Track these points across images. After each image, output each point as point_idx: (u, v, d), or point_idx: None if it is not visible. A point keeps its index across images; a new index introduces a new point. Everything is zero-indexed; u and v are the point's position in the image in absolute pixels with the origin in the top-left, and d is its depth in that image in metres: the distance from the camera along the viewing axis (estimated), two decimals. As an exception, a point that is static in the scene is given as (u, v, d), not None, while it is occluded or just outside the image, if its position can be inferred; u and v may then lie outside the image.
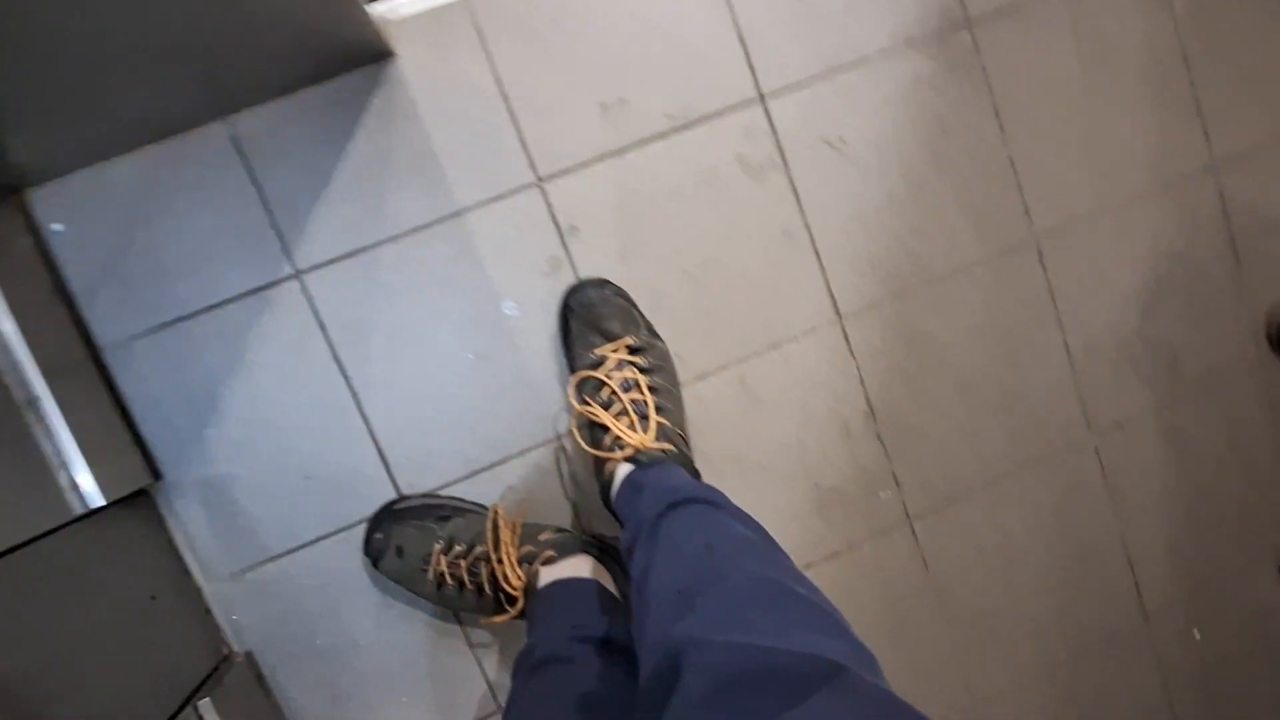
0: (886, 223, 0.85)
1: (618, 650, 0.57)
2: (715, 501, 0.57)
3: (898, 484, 0.87)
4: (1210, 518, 0.95)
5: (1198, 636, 0.96)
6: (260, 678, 0.78)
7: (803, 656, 0.34)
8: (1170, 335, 0.92)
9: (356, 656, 0.80)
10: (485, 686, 0.82)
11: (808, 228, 0.83)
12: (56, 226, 0.72)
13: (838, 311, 0.84)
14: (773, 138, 0.82)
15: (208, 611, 0.77)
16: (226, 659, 0.77)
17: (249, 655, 0.78)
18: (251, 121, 0.74)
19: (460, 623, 0.81)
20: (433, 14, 0.76)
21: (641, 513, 0.58)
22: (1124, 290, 0.91)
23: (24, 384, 0.65)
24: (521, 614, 0.69)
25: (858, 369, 0.85)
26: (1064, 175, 0.88)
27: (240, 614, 0.78)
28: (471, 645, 0.81)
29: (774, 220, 0.83)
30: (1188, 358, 0.93)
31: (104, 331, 0.73)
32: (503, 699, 0.82)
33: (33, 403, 0.65)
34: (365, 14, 0.67)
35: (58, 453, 0.65)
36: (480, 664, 0.82)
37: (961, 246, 0.86)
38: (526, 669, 0.55)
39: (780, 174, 0.82)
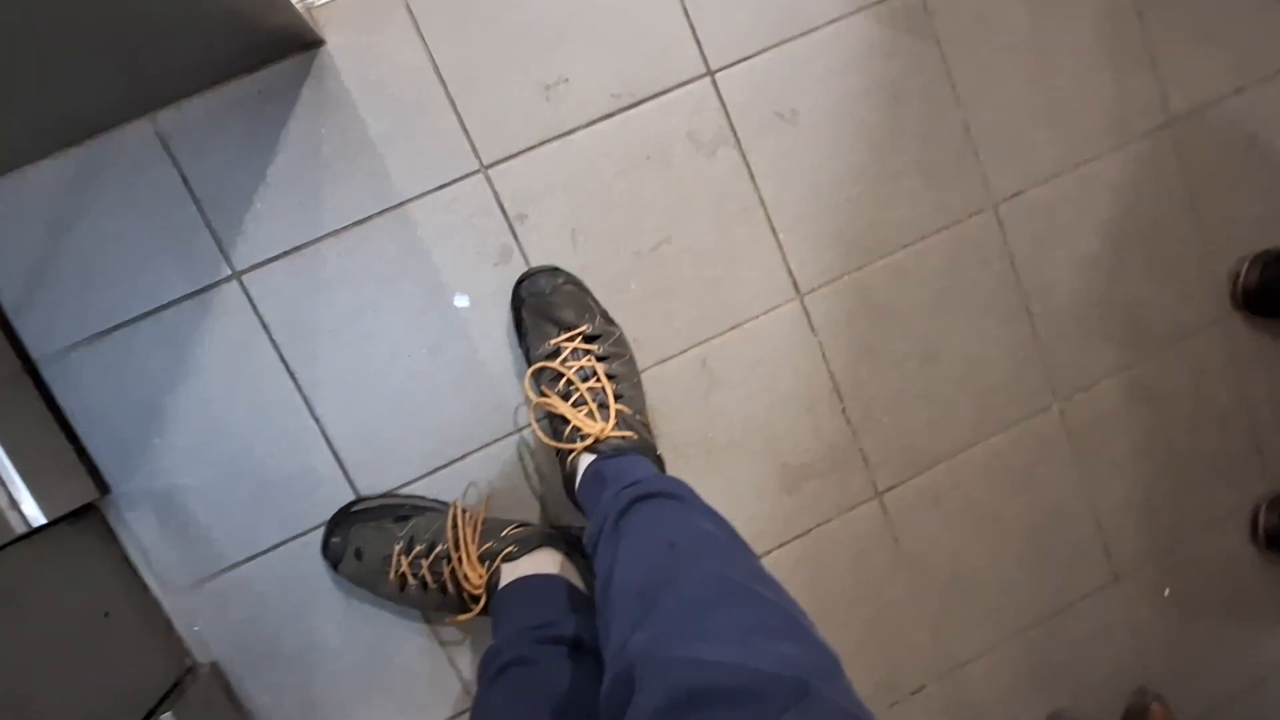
0: (842, 194, 0.83)
1: (584, 649, 0.57)
2: (679, 495, 0.56)
3: (865, 459, 0.87)
4: (1178, 476, 0.96)
5: (1168, 594, 0.97)
6: (228, 687, 0.77)
7: (765, 676, 0.32)
8: (1133, 294, 0.92)
9: (325, 660, 0.79)
10: (459, 683, 0.81)
11: (763, 203, 0.82)
12: (-21, 237, 0.69)
13: (797, 288, 0.83)
14: (723, 112, 0.80)
15: (169, 625, 0.76)
16: (190, 671, 0.76)
17: (214, 665, 0.77)
18: (178, 117, 0.71)
19: (428, 621, 0.80)
20: (357, 2, 0.73)
21: (605, 507, 0.57)
22: (1085, 252, 0.90)
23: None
24: (485, 612, 0.68)
25: (820, 345, 0.84)
26: (1020, 137, 0.87)
27: (202, 624, 0.76)
28: (441, 643, 0.81)
29: (728, 197, 0.81)
30: (1151, 316, 0.93)
31: (38, 343, 0.71)
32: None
33: None
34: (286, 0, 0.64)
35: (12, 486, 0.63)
36: (452, 661, 0.81)
37: (919, 215, 0.85)
38: (491, 673, 0.54)
39: (732, 149, 0.81)
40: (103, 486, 0.73)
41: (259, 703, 0.78)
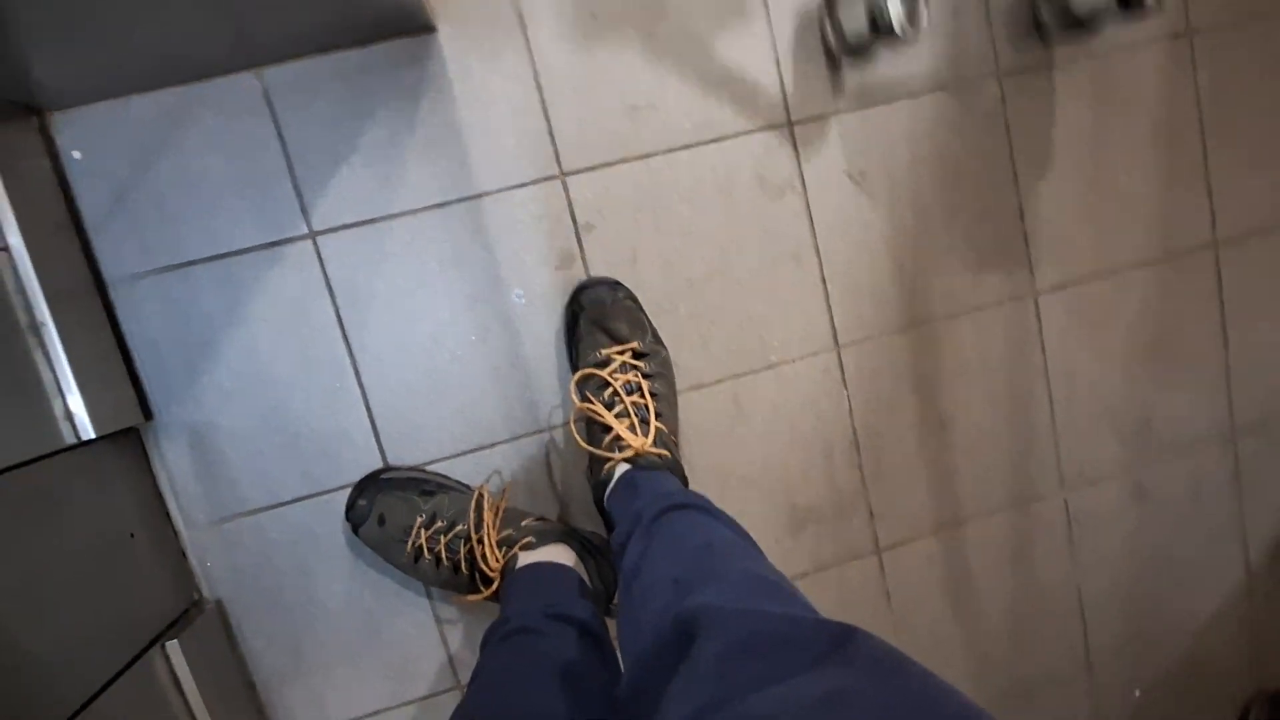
0: (894, 257, 0.86)
1: (590, 634, 0.59)
2: (709, 509, 0.59)
3: (871, 513, 0.90)
4: (1168, 581, 0.99)
5: (1138, 695, 1.00)
6: (227, 626, 0.79)
7: (816, 621, 0.35)
8: (1149, 398, 0.95)
9: (322, 617, 0.81)
10: (445, 660, 0.83)
11: (817, 253, 0.85)
12: (76, 154, 0.72)
13: (836, 339, 0.86)
14: (795, 162, 0.83)
15: (183, 555, 0.78)
16: (196, 604, 0.78)
17: (219, 603, 0.79)
18: (284, 75, 0.74)
19: (429, 597, 0.82)
20: (477, -6, 0.76)
21: (638, 511, 0.59)
22: (1112, 350, 0.93)
23: (30, 308, 0.65)
24: (495, 596, 0.70)
25: (848, 397, 0.87)
26: (1069, 232, 0.90)
27: (214, 562, 0.78)
28: (437, 620, 0.83)
29: (785, 241, 0.84)
30: (1162, 423, 0.96)
31: (112, 266, 0.73)
32: (463, 675, 0.84)
33: (36, 328, 0.65)
34: (412, -15, 0.67)
35: (56, 380, 0.66)
36: (444, 639, 0.83)
37: (962, 289, 0.88)
38: (498, 638, 0.56)
39: (797, 197, 0.84)
40: (147, 412, 0.75)
41: (252, 646, 0.80)
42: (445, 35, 0.76)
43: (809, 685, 0.30)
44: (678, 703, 0.34)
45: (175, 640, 0.70)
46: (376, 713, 0.83)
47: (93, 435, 0.67)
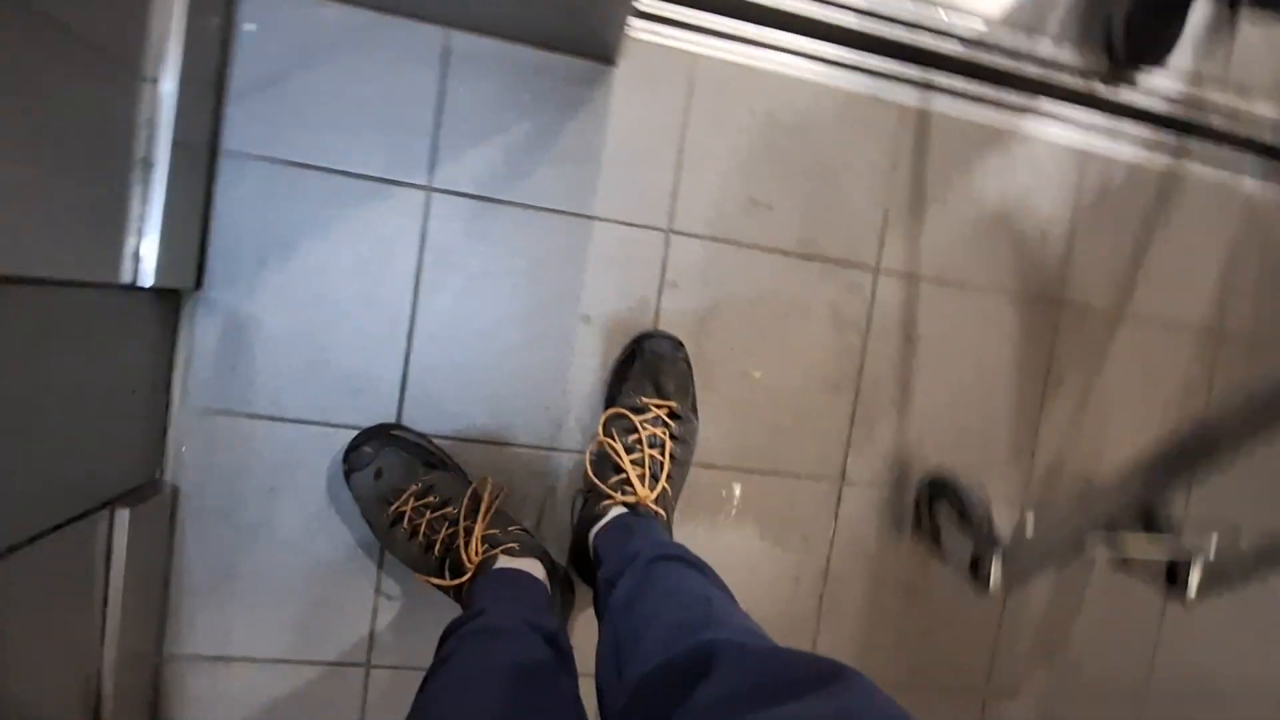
0: (921, 418, 0.92)
1: (559, 646, 0.58)
2: (705, 569, 0.60)
3: (814, 646, 0.92)
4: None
5: None
6: (173, 518, 0.75)
7: (817, 658, 0.38)
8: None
9: (267, 547, 0.78)
10: (366, 635, 0.81)
11: (856, 392, 0.90)
12: (249, 26, 0.74)
13: (844, 474, 0.91)
14: (868, 305, 0.90)
15: (164, 431, 0.75)
16: (154, 484, 0.74)
17: (175, 491, 0.75)
18: (468, 43, 0.78)
19: (379, 567, 0.80)
20: (664, 49, 0.82)
21: (633, 552, 0.61)
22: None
23: (150, 144, 0.65)
24: (459, 588, 0.69)
25: (835, 530, 0.91)
26: (1072, 458, 0.98)
27: (190, 449, 0.76)
28: (377, 592, 0.81)
29: (832, 371, 0.90)
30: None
31: (234, 138, 0.74)
32: (377, 656, 0.81)
33: (147, 164, 0.65)
34: (624, 18, 0.73)
35: (140, 219, 0.65)
36: (375, 613, 0.81)
37: (969, 473, 0.94)
38: (475, 631, 0.56)
39: (858, 336, 0.90)
40: (198, 282, 0.74)
41: (187, 548, 0.76)
42: (620, 73, 0.81)
43: (819, 705, 0.34)
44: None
45: (127, 510, 0.67)
46: (274, 661, 0.79)
47: (149, 284, 0.66)
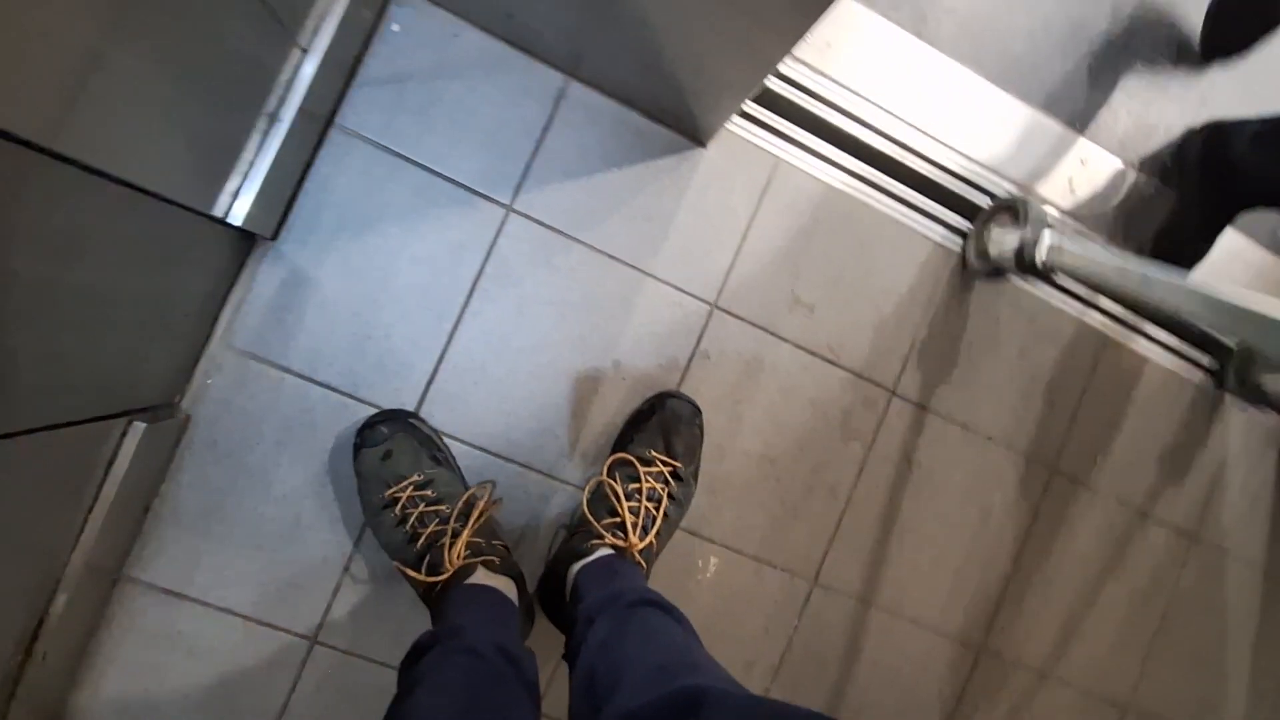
0: (901, 544, 0.95)
1: (530, 682, 0.59)
2: (685, 623, 0.62)
3: (747, 739, 0.91)
4: None
5: None
6: (177, 444, 0.77)
7: (808, 711, 0.40)
8: None
9: (257, 496, 0.79)
10: (322, 610, 0.81)
11: (849, 501, 0.93)
12: (395, 27, 0.81)
13: (817, 576, 0.93)
14: (878, 422, 0.94)
15: (196, 360, 0.77)
16: (170, 407, 0.76)
17: (187, 418, 0.77)
18: (582, 94, 0.85)
19: (354, 546, 0.81)
20: (751, 146, 0.90)
21: (616, 592, 0.62)
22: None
23: (281, 102, 0.70)
24: (431, 586, 0.70)
25: (796, 629, 0.92)
26: (1037, 622, 1.00)
27: (215, 383, 0.78)
28: (345, 570, 0.81)
29: (831, 475, 0.93)
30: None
31: (350, 116, 0.80)
32: (327, 635, 0.81)
33: (272, 118, 0.70)
34: (729, 114, 0.81)
35: (249, 164, 0.70)
36: (336, 591, 0.81)
37: (930, 607, 0.96)
38: (459, 650, 0.57)
39: (862, 449, 0.94)
40: (275, 233, 0.78)
41: (180, 476, 0.77)
42: (708, 155, 0.88)
43: None
44: None
45: (144, 425, 0.69)
46: (225, 611, 0.79)
47: (235, 223, 0.70)
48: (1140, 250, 1.04)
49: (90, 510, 0.69)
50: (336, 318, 0.80)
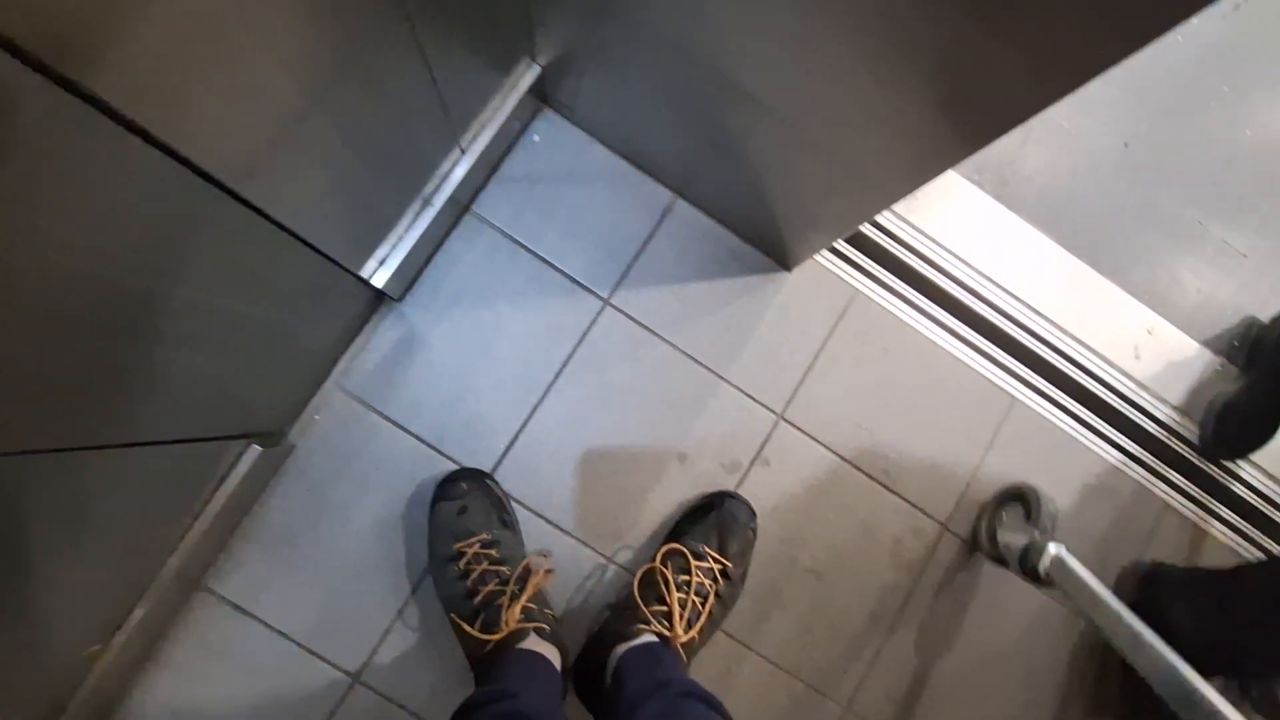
0: (935, 682, 0.93)
1: None
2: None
3: None
4: None
5: None
6: (276, 470, 0.84)
7: None
8: None
9: (334, 530, 0.85)
10: (369, 651, 0.84)
11: (890, 630, 0.93)
12: (536, 137, 0.93)
13: (852, 705, 0.92)
14: (928, 555, 0.95)
15: (310, 396, 0.86)
16: (278, 435, 0.84)
17: (291, 447, 0.85)
18: (686, 211, 0.95)
19: (411, 593, 0.85)
20: (832, 275, 0.97)
21: (663, 679, 0.65)
22: None
23: (437, 189, 0.81)
24: (482, 644, 0.73)
25: (822, 756, 0.90)
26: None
27: (321, 419, 0.86)
28: (399, 614, 0.85)
29: (876, 599, 0.94)
30: None
31: (484, 205, 0.91)
32: (370, 678, 0.84)
33: (424, 199, 0.81)
34: (819, 249, 0.89)
35: (398, 237, 0.80)
36: (385, 636, 0.84)
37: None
38: (509, 711, 0.59)
39: (908, 578, 0.95)
40: (402, 296, 0.88)
41: (271, 501, 0.84)
42: (792, 279, 0.96)
43: None
44: None
45: (259, 449, 0.77)
46: (282, 634, 0.83)
47: (375, 285, 0.80)
48: (1203, 423, 1.05)
49: (195, 520, 0.76)
50: (438, 377, 0.88)
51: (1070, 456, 1.01)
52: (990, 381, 1.00)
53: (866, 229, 1.00)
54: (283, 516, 0.84)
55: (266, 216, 0.55)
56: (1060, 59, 0.41)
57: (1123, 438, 1.03)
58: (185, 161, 0.42)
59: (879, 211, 0.71)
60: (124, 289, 0.45)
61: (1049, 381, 1.02)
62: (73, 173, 0.36)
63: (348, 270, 0.77)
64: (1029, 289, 1.04)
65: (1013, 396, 1.00)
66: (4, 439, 0.42)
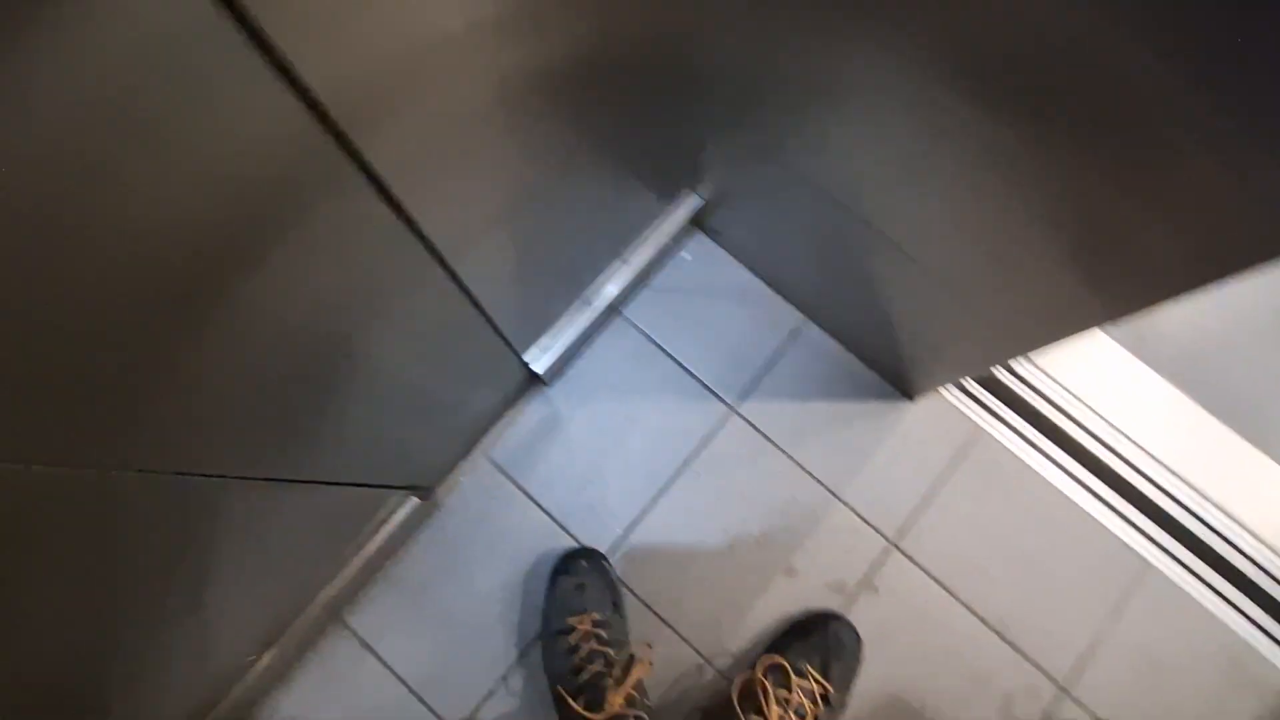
0: None
1: None
2: None
3: None
4: None
5: None
6: (423, 522, 0.94)
7: None
8: None
9: (459, 587, 0.92)
10: (470, 708, 0.88)
11: (995, 795, 0.88)
12: (686, 255, 1.04)
13: None
14: (1042, 717, 0.90)
15: (459, 459, 0.96)
16: (431, 490, 0.94)
17: (437, 504, 0.94)
18: (815, 335, 1.01)
19: (517, 658, 0.90)
20: (955, 410, 0.99)
21: None
22: None
23: (597, 293, 0.93)
24: (583, 720, 0.77)
25: None
26: None
27: (465, 482, 0.95)
28: (503, 678, 0.89)
29: (980, 758, 0.89)
30: None
31: (632, 308, 1.01)
32: (471, 733, 0.88)
33: (586, 302, 0.92)
34: (943, 381, 0.92)
35: (561, 330, 0.91)
36: (489, 695, 0.89)
37: None
38: None
39: (1018, 742, 0.89)
40: (551, 381, 0.98)
41: (412, 549, 0.93)
42: (914, 409, 0.99)
43: None
44: None
45: (416, 499, 0.87)
46: (395, 675, 0.89)
47: (535, 369, 0.90)
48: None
49: (352, 558, 0.86)
50: (573, 459, 0.96)
51: (1210, 634, 0.94)
52: (1121, 541, 0.96)
53: (996, 370, 1.02)
54: (419, 566, 0.93)
55: (466, 291, 0.65)
56: (1225, 244, 0.41)
57: (1273, 623, 0.95)
58: (413, 225, 0.47)
59: (1011, 359, 0.75)
60: (335, 342, 0.52)
61: (1188, 549, 0.97)
62: (329, 230, 0.40)
63: (515, 352, 0.88)
64: (1167, 449, 1.01)
65: (1145, 560, 0.96)
66: (215, 463, 0.49)
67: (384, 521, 0.86)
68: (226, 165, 0.31)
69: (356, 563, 0.85)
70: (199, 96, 0.27)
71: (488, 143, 0.50)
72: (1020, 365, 1.03)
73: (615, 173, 0.76)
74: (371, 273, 0.49)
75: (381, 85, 0.36)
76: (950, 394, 1.00)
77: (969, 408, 1.00)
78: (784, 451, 0.97)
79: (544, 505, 0.95)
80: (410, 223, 0.47)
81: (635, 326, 1.01)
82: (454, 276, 0.60)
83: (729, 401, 0.99)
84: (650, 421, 0.98)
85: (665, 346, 1.00)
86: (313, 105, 0.32)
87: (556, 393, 0.99)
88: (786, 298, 1.02)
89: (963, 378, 0.99)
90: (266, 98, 0.30)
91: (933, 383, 0.94)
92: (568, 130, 0.60)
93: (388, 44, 0.35)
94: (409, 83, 0.38)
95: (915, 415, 0.99)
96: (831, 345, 1.01)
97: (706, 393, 0.99)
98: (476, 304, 0.69)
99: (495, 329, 0.78)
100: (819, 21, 0.51)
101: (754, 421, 0.98)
